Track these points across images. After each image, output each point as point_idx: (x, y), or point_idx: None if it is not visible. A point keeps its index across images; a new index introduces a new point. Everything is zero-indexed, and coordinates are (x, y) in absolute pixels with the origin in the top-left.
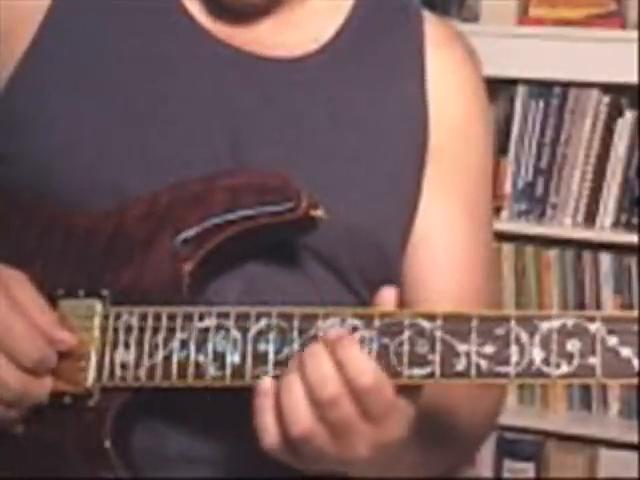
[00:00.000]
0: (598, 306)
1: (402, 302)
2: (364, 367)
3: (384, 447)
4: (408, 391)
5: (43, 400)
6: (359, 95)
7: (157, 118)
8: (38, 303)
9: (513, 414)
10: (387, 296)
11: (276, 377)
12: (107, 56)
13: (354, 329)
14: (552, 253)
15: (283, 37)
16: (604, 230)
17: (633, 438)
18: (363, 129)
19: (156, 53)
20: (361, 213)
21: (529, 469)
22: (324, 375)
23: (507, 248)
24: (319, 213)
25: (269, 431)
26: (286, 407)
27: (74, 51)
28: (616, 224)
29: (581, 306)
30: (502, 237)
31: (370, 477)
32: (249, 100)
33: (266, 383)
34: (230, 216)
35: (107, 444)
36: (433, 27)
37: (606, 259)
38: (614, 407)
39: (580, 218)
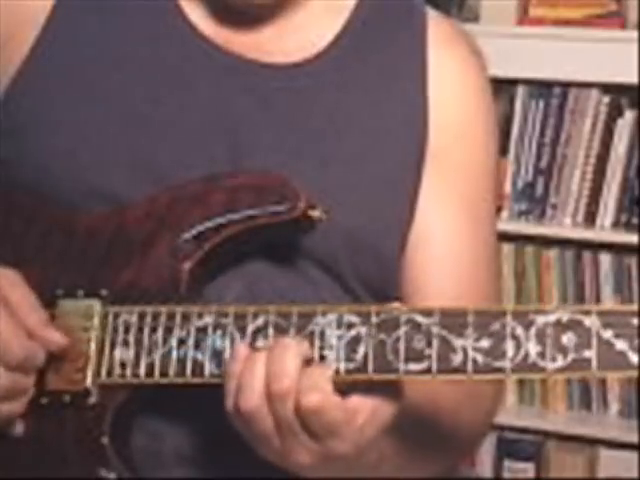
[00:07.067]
0: None
1: (400, 302)
2: (315, 388)
3: (328, 461)
4: (388, 391)
5: (30, 395)
6: (358, 99)
7: (156, 123)
8: (29, 302)
9: (513, 414)
10: None
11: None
12: (107, 61)
13: (351, 325)
14: (552, 253)
15: (282, 43)
16: (604, 230)
17: (633, 438)
18: (362, 133)
19: (155, 58)
20: (360, 217)
21: (529, 469)
22: (285, 369)
23: (507, 248)
24: (317, 213)
25: (229, 397)
26: (244, 380)
27: (74, 56)
28: (616, 224)
29: None
30: (502, 237)
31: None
32: (248, 106)
33: (242, 350)
34: (229, 216)
35: (105, 440)
36: (436, 26)
37: (606, 259)
38: (614, 407)
39: (580, 218)
